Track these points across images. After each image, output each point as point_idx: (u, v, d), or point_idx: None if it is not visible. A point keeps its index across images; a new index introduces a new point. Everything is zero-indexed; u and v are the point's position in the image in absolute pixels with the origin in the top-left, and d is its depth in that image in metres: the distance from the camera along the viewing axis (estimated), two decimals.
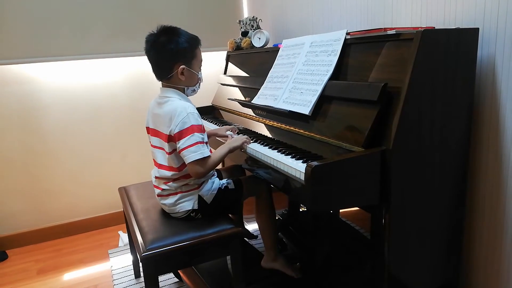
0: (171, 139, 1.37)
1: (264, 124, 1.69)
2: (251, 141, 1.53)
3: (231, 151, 1.46)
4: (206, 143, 1.42)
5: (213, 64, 2.62)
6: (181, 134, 1.33)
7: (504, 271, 1.29)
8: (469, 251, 1.39)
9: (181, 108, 1.35)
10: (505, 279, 1.29)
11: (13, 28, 2.15)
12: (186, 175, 1.42)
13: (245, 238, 1.98)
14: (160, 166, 1.45)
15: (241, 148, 1.50)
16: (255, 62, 2.09)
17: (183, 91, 1.46)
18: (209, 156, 1.36)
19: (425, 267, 1.26)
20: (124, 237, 2.35)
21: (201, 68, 1.50)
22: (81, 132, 2.44)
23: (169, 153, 1.39)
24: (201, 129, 1.37)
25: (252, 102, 1.75)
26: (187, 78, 1.43)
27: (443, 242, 1.28)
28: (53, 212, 2.44)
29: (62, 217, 2.48)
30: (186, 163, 1.35)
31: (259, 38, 2.16)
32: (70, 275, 2.05)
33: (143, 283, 1.38)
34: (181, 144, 1.33)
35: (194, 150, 1.32)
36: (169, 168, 1.42)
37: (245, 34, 2.28)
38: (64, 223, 2.48)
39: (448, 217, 1.27)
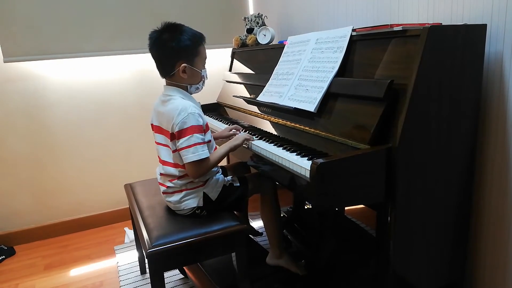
0: (173, 137, 1.37)
1: (269, 121, 1.69)
2: (255, 138, 1.53)
3: (232, 149, 1.46)
4: (209, 141, 1.42)
5: (218, 61, 2.62)
6: (181, 134, 1.34)
7: (511, 269, 1.28)
8: (475, 249, 1.38)
9: (182, 107, 1.35)
10: None
11: (19, 25, 2.16)
12: None
13: (250, 235, 1.99)
14: (164, 163, 1.45)
15: (243, 145, 1.50)
16: (260, 59, 2.08)
17: (186, 89, 1.46)
18: (207, 158, 1.36)
19: (430, 265, 1.26)
20: (130, 233, 2.37)
21: (206, 65, 1.49)
22: (87, 129, 2.46)
23: (174, 151, 1.40)
24: (201, 129, 1.37)
25: (257, 99, 1.75)
26: (189, 76, 1.43)
27: (449, 240, 1.28)
28: (60, 209, 2.47)
29: (69, 214, 2.50)
30: (184, 162, 1.36)
31: (265, 35, 2.16)
32: (76, 271, 2.07)
33: (149, 279, 1.38)
34: (180, 143, 1.34)
35: (192, 151, 1.33)
36: (174, 165, 1.42)
37: (250, 31, 2.28)
38: (71, 220, 2.50)
39: (454, 215, 1.26)
